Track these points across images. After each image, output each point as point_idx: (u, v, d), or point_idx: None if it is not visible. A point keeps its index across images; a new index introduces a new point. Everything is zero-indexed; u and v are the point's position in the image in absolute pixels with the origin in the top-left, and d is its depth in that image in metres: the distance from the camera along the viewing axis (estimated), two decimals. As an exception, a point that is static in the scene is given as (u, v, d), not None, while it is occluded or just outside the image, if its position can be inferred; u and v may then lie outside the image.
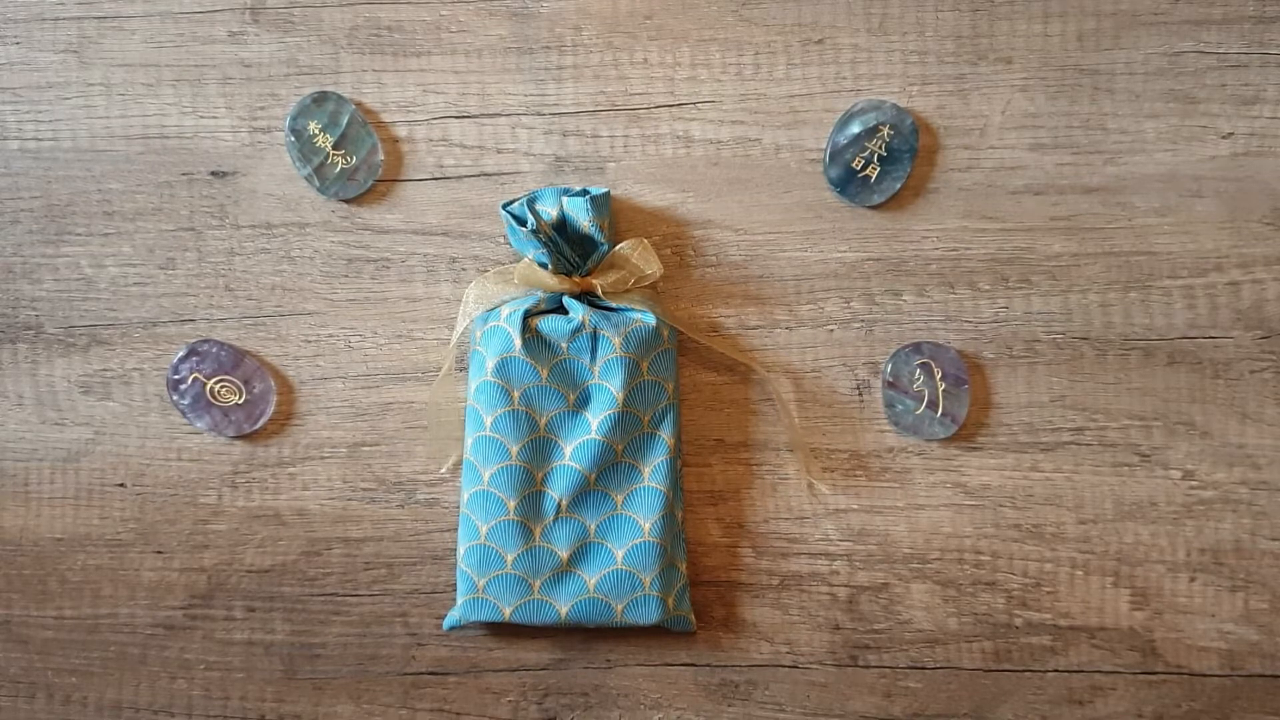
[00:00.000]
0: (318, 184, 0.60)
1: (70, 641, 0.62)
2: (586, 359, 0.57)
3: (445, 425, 0.60)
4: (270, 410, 0.60)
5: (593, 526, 0.58)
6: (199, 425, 0.60)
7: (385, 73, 0.60)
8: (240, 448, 0.61)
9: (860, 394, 0.60)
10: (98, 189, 0.61)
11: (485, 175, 0.60)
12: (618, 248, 0.58)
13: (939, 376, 0.59)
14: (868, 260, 0.60)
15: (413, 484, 0.61)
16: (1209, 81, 0.59)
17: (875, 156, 0.58)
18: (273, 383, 0.60)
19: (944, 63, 0.59)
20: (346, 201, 0.59)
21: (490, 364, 0.57)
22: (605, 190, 0.57)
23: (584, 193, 0.56)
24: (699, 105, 0.60)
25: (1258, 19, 0.59)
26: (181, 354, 0.60)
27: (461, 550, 0.58)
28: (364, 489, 0.61)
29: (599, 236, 0.56)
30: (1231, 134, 0.59)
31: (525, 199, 0.57)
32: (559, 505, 0.58)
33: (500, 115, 0.60)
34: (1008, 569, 0.60)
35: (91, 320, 0.61)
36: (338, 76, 0.60)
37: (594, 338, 0.57)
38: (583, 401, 0.58)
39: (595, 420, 0.57)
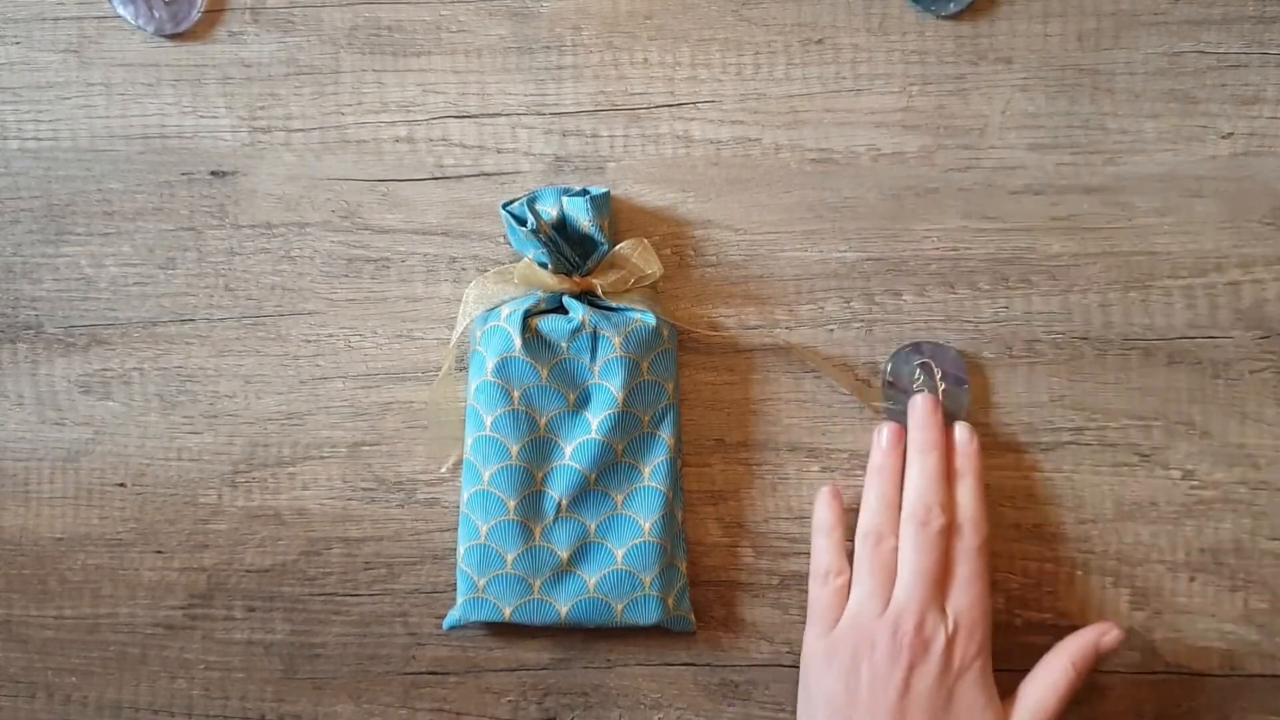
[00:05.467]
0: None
1: (70, 641, 0.62)
2: (586, 359, 0.57)
3: (445, 425, 0.60)
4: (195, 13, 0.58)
5: (593, 526, 0.58)
6: (122, 12, 0.58)
7: (385, 73, 0.60)
8: (240, 447, 0.61)
9: (860, 394, 0.60)
10: (98, 189, 0.61)
11: (485, 175, 0.60)
12: (618, 248, 0.58)
13: (939, 376, 0.59)
14: (868, 260, 0.60)
15: (413, 484, 0.61)
16: (1209, 81, 0.59)
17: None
18: None
19: (944, 63, 0.59)
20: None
21: (490, 364, 0.57)
22: (605, 190, 0.57)
23: (584, 193, 0.56)
24: (699, 105, 0.60)
25: (1258, 19, 0.59)
26: None
27: (461, 550, 0.58)
28: (364, 489, 0.61)
29: (599, 236, 0.56)
30: (1231, 134, 0.59)
31: (525, 199, 0.57)
32: (559, 505, 0.58)
33: (500, 115, 0.60)
34: (1008, 569, 0.60)
35: (91, 320, 0.61)
36: (338, 76, 0.60)
37: (594, 338, 0.57)
38: (583, 401, 0.58)
39: (595, 420, 0.57)
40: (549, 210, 0.56)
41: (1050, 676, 0.55)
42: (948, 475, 0.56)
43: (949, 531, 0.55)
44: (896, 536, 0.55)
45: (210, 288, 0.61)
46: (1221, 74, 0.59)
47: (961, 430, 0.57)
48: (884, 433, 0.57)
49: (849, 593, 0.56)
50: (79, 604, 0.62)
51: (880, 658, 0.53)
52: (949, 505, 0.55)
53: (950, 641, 0.53)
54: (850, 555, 0.56)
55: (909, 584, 0.54)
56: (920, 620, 0.53)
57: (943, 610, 0.54)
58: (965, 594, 0.54)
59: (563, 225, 0.56)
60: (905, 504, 0.56)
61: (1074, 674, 0.55)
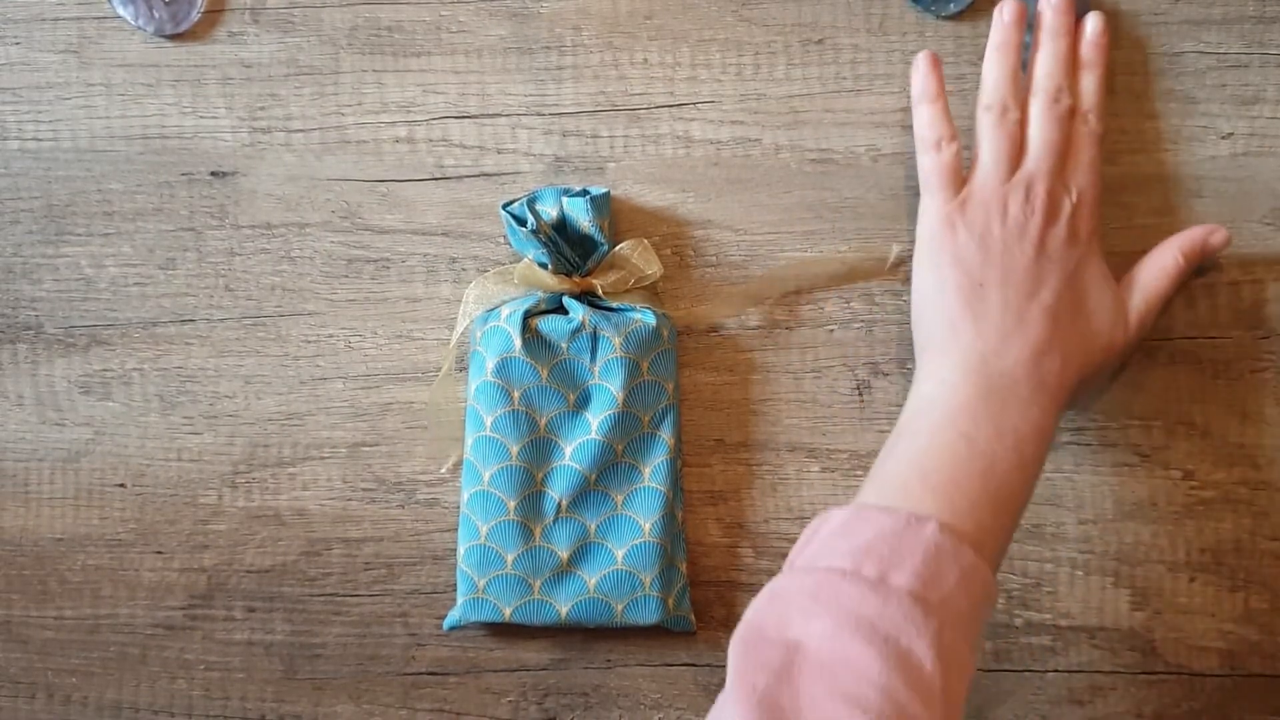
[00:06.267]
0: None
1: (70, 641, 0.62)
2: (586, 359, 0.57)
3: (445, 425, 0.60)
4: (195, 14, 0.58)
5: (593, 527, 0.58)
6: (122, 12, 0.59)
7: (385, 73, 0.60)
8: (240, 448, 0.61)
9: (860, 394, 0.60)
10: (98, 189, 0.61)
11: (485, 175, 0.60)
12: (618, 248, 0.58)
13: None
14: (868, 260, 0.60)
15: (413, 484, 0.61)
16: (1209, 81, 0.59)
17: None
18: None
19: (944, 63, 0.59)
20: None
21: (490, 364, 0.57)
22: (605, 190, 0.57)
23: (584, 193, 0.56)
24: (699, 105, 0.60)
25: (1258, 19, 0.59)
26: None
27: (461, 550, 0.58)
28: (364, 489, 0.61)
29: (599, 237, 0.56)
30: (1231, 134, 0.59)
31: (525, 199, 0.57)
32: (559, 505, 0.58)
33: (500, 115, 0.60)
34: (1008, 569, 0.60)
35: (91, 320, 0.61)
36: (338, 76, 0.60)
37: (594, 338, 0.57)
38: (583, 402, 0.58)
39: (595, 420, 0.57)
40: (549, 211, 0.56)
41: (1161, 262, 0.56)
42: (1074, 64, 0.56)
43: (1073, 115, 0.55)
44: (1021, 110, 0.55)
45: (210, 288, 0.61)
46: (1221, 74, 0.59)
47: (1094, 19, 0.57)
48: (1006, 8, 0.56)
49: (961, 161, 0.56)
50: (79, 604, 0.62)
51: (1013, 217, 0.54)
52: (1074, 92, 0.56)
53: (1075, 211, 0.54)
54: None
55: (1038, 155, 0.55)
56: (1051, 186, 0.54)
57: (1067, 185, 0.55)
58: (1086, 175, 0.55)
59: (563, 226, 0.56)
60: (1034, 83, 0.56)
61: (1183, 262, 0.56)
